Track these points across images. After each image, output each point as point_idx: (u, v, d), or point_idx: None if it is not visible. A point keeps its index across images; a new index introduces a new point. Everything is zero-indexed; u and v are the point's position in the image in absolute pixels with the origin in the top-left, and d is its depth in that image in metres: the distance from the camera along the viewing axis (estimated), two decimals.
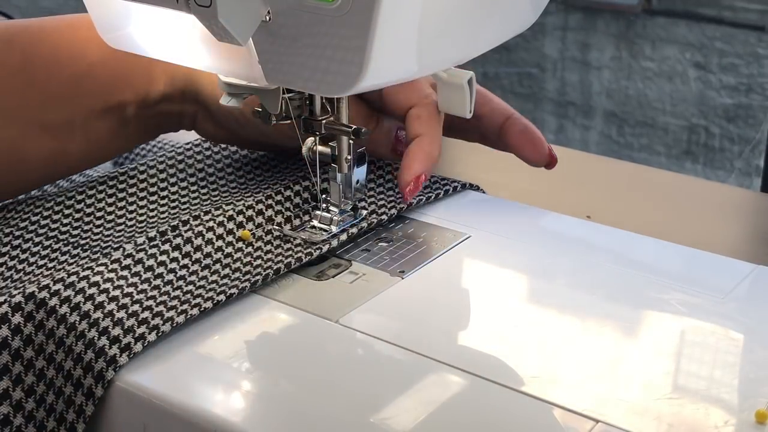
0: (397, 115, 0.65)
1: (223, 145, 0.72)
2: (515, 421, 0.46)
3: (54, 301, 0.52)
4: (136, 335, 0.50)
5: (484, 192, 0.69)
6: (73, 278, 0.53)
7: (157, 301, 0.53)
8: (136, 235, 0.60)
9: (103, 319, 0.51)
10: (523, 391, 0.47)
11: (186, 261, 0.57)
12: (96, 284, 0.53)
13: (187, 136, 0.74)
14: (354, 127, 0.59)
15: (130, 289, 0.54)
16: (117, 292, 0.53)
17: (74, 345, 0.50)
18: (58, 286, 0.52)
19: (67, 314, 0.51)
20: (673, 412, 0.45)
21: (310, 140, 0.61)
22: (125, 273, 0.55)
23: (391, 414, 0.46)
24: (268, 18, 0.49)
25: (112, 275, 0.54)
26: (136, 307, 0.52)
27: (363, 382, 0.49)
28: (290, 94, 0.58)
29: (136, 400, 0.48)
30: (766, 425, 0.44)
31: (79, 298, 0.52)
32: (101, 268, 0.54)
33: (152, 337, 0.50)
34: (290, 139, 0.64)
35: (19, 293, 0.52)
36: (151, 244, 0.57)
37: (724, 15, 2.02)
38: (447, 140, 0.72)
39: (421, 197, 0.65)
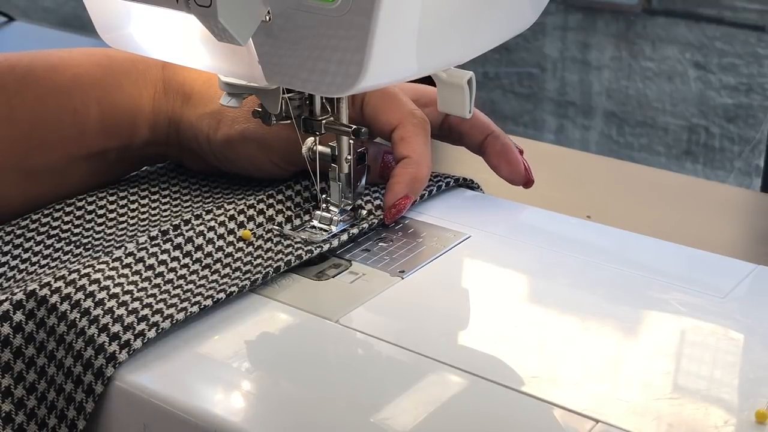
0: (382, 137, 0.65)
1: None
2: (515, 421, 0.46)
3: (55, 299, 0.52)
4: (136, 332, 0.50)
5: (479, 186, 0.70)
6: (74, 276, 0.53)
7: (158, 298, 0.53)
8: (138, 233, 0.60)
9: (103, 316, 0.51)
10: (523, 391, 0.47)
11: (187, 260, 0.57)
12: (97, 281, 0.53)
13: None
14: (354, 127, 0.58)
15: (131, 287, 0.54)
16: (117, 290, 0.53)
17: (74, 342, 0.50)
18: (59, 283, 0.52)
19: (68, 311, 0.51)
20: (673, 412, 0.45)
21: (310, 140, 0.61)
22: (126, 271, 0.55)
23: (391, 414, 0.46)
24: (268, 18, 0.49)
25: (113, 273, 0.54)
26: (136, 304, 0.52)
27: (363, 382, 0.49)
28: (290, 94, 0.58)
29: (136, 400, 0.48)
30: (766, 425, 0.44)
31: (80, 295, 0.52)
32: (102, 266, 0.54)
33: (152, 333, 0.50)
34: (279, 170, 0.65)
35: (20, 291, 0.52)
36: (153, 243, 0.57)
37: (724, 15, 2.02)
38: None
39: (424, 192, 0.65)
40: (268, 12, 0.48)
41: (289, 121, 0.59)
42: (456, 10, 0.51)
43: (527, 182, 0.67)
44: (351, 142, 0.60)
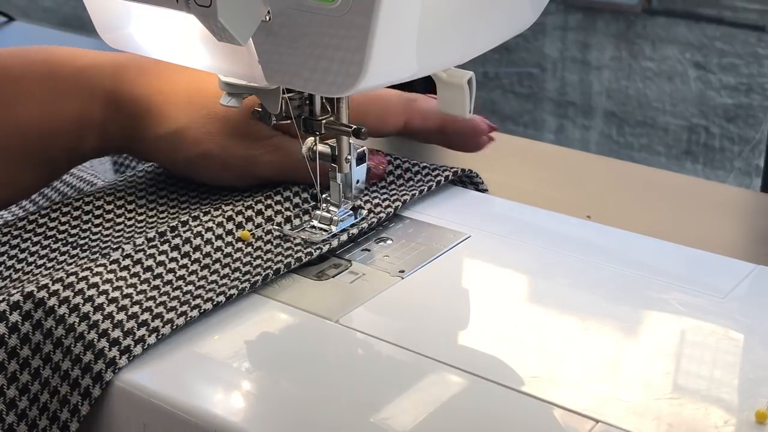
0: (398, 134, 0.68)
1: None
2: (515, 421, 0.46)
3: (53, 301, 0.52)
4: (136, 337, 0.50)
5: (481, 180, 0.69)
6: (72, 278, 0.53)
7: (157, 302, 0.53)
8: (136, 235, 0.60)
9: (102, 321, 0.51)
10: (523, 391, 0.47)
11: (185, 261, 0.57)
12: (95, 285, 0.53)
13: None
14: (354, 126, 0.58)
15: (130, 290, 0.54)
16: (116, 294, 0.53)
17: (73, 346, 0.50)
18: (57, 286, 0.52)
19: (66, 315, 0.51)
20: (673, 412, 0.45)
21: (310, 140, 0.61)
22: (124, 273, 0.55)
23: (391, 414, 0.46)
24: (268, 18, 0.49)
25: (111, 276, 0.54)
26: (135, 308, 0.52)
27: (363, 382, 0.49)
28: (290, 94, 0.58)
29: (136, 400, 0.48)
30: (766, 425, 0.44)
31: (78, 299, 0.52)
32: (100, 269, 0.54)
33: (152, 339, 0.50)
34: (242, 184, 0.64)
35: (17, 292, 0.52)
36: (150, 244, 0.57)
37: (724, 15, 2.02)
38: None
39: (414, 192, 0.65)
40: (268, 12, 0.48)
41: (288, 121, 0.59)
42: (456, 10, 0.51)
43: (490, 131, 0.71)
44: (351, 142, 0.60)
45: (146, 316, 0.52)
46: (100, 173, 0.74)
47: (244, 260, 0.58)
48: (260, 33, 0.49)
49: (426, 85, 0.64)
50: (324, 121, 0.59)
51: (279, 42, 0.49)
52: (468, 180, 0.69)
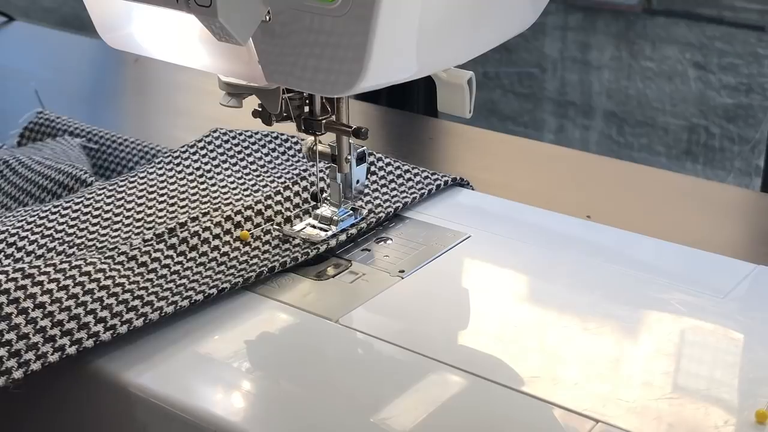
0: None
1: (219, 146, 0.72)
2: (515, 421, 0.46)
3: (42, 278, 0.52)
4: (123, 319, 0.51)
5: (472, 188, 0.69)
6: (65, 265, 0.53)
7: (149, 291, 0.53)
8: (133, 236, 0.60)
9: (91, 303, 0.51)
10: (523, 391, 0.47)
11: (181, 258, 0.57)
12: (87, 273, 0.53)
13: (181, 141, 0.74)
14: (354, 126, 0.59)
15: (122, 280, 0.54)
16: (108, 282, 0.53)
17: (57, 313, 0.50)
18: (49, 269, 0.53)
19: (54, 290, 0.52)
20: (673, 412, 0.45)
21: (310, 140, 0.61)
22: (118, 266, 0.55)
23: (391, 414, 0.46)
24: (268, 18, 0.49)
25: (104, 266, 0.55)
26: (127, 296, 0.53)
27: (363, 382, 0.49)
28: (290, 94, 0.58)
29: (136, 400, 0.48)
30: (766, 425, 0.44)
31: (69, 282, 0.52)
32: (94, 260, 0.55)
33: (139, 323, 0.50)
34: None
35: (11, 269, 0.53)
36: (146, 244, 0.57)
37: (724, 15, 2.01)
38: (445, 142, 0.72)
39: (415, 195, 0.65)
40: (268, 12, 0.48)
41: (289, 121, 0.59)
42: (456, 10, 0.51)
43: None
44: (351, 142, 0.60)
45: (137, 302, 0.52)
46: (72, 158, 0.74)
47: (241, 258, 0.58)
48: (260, 33, 0.49)
49: (426, 85, 0.63)
50: (324, 121, 0.59)
51: (279, 42, 0.49)
52: (459, 186, 0.69)
